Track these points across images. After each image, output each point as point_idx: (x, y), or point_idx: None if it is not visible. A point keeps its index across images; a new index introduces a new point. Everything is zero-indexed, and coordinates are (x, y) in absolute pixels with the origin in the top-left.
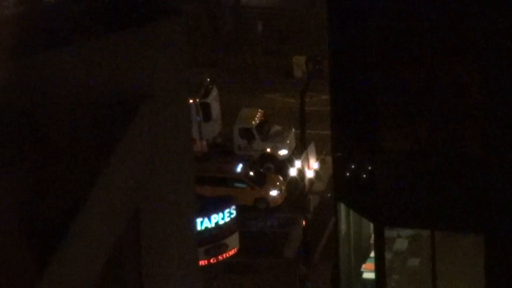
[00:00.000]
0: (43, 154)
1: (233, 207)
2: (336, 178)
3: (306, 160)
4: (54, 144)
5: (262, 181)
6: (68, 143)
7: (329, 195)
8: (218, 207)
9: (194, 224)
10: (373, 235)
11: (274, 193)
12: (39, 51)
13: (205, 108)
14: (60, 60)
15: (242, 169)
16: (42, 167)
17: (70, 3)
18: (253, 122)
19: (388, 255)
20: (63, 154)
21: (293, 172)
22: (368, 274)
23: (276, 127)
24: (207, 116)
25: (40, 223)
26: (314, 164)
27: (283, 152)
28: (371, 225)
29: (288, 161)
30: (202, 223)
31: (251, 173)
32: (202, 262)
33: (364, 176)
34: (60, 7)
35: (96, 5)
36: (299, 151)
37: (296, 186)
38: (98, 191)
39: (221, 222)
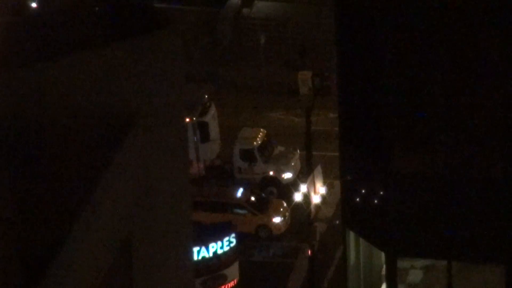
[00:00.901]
0: (25, 177)
1: (233, 235)
2: (345, 204)
3: (312, 184)
4: (37, 166)
5: (264, 207)
6: (52, 166)
7: (337, 222)
8: (217, 235)
9: (190, 254)
10: (384, 266)
11: (277, 220)
12: (24, 64)
13: (203, 128)
14: (44, 74)
15: (243, 194)
16: (24, 193)
17: (58, 14)
18: (255, 143)
19: None
20: (47, 178)
21: (298, 197)
22: None
23: (280, 148)
24: (204, 136)
25: (23, 254)
26: (321, 189)
27: (287, 175)
28: (383, 254)
29: (292, 185)
30: (199, 253)
31: (252, 198)
32: None
33: (376, 201)
34: (48, 18)
35: (86, 16)
36: (304, 174)
37: (302, 212)
38: (86, 218)
39: (219, 251)
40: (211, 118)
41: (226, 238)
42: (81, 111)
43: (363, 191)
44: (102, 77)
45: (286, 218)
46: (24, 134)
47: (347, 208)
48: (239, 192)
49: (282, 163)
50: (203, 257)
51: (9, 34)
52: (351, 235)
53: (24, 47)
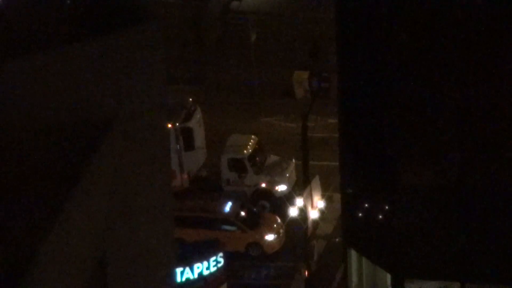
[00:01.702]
0: None
1: (220, 254)
2: (346, 220)
3: (309, 198)
4: (6, 175)
5: (256, 223)
6: (20, 175)
7: (337, 239)
8: (202, 255)
9: (173, 275)
10: None
11: (270, 237)
12: None
13: (187, 134)
14: (10, 73)
15: (232, 208)
16: None
17: (20, 6)
18: (245, 151)
19: None
20: (14, 189)
21: (293, 212)
22: None
23: (273, 158)
24: (189, 144)
25: None
26: (319, 202)
27: (281, 187)
28: (389, 276)
29: (287, 199)
30: (183, 274)
31: (243, 213)
32: None
33: (380, 217)
34: (7, 10)
35: (54, 9)
36: (300, 186)
37: (297, 229)
38: (56, 235)
39: (205, 272)
40: (196, 123)
41: (213, 258)
42: (48, 117)
43: (366, 205)
44: (71, 77)
45: (280, 235)
46: None
47: (348, 224)
48: (228, 206)
49: (275, 174)
50: (187, 279)
51: None
52: (353, 254)
53: None
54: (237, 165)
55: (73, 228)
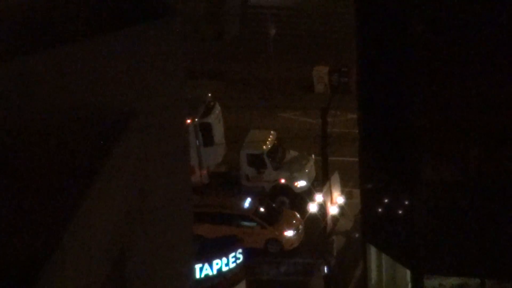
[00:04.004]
0: (9, 180)
1: (240, 250)
2: (365, 215)
3: (328, 194)
4: (23, 168)
5: (275, 219)
6: (42, 169)
7: (356, 235)
8: (222, 251)
9: (191, 271)
10: (410, 285)
11: (289, 233)
12: (12, 56)
13: (206, 130)
14: (33, 66)
15: (251, 204)
16: (10, 198)
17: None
18: (264, 147)
19: None
20: (36, 182)
21: (312, 207)
22: None
23: (292, 153)
24: (208, 140)
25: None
26: (339, 198)
27: (300, 183)
28: (408, 272)
29: (306, 195)
30: (202, 270)
31: (262, 209)
32: None
33: (400, 212)
34: (31, 5)
35: (73, 4)
36: (320, 182)
37: (317, 225)
38: (76, 228)
39: (224, 268)
40: (215, 119)
41: (232, 254)
42: (68, 111)
43: (386, 201)
44: (91, 72)
45: (299, 231)
46: (3, 137)
47: (367, 220)
48: (247, 202)
49: (294, 170)
50: (206, 275)
51: None
52: (372, 251)
53: (2, 37)
54: (256, 161)
55: (92, 222)
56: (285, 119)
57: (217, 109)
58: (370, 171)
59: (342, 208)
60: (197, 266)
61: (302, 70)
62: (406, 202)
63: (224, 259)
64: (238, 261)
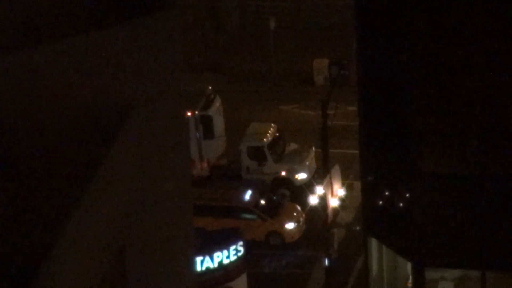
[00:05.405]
0: (6, 176)
1: (240, 243)
2: (366, 208)
3: (329, 186)
4: (24, 165)
5: (276, 212)
6: (41, 161)
7: (357, 228)
8: (222, 243)
9: (192, 264)
10: (411, 277)
11: (290, 226)
12: (11, 50)
13: (206, 123)
14: (31, 61)
15: (251, 196)
16: (10, 194)
17: None
18: (265, 140)
19: None
20: (34, 179)
21: (313, 200)
22: None
23: (293, 146)
24: (208, 132)
25: (8, 263)
26: (339, 191)
27: (301, 176)
28: (409, 264)
29: (307, 187)
30: (203, 263)
31: (262, 202)
32: None
33: (401, 205)
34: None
35: None
36: (320, 174)
37: (318, 217)
38: (74, 225)
39: (225, 261)
40: (216, 111)
41: (233, 247)
42: (69, 102)
43: (387, 193)
44: (91, 64)
45: (300, 223)
46: (4, 130)
47: (368, 213)
48: (247, 194)
49: (295, 162)
50: (207, 268)
51: None
52: (373, 243)
53: (2, 29)
54: (257, 154)
55: (93, 215)
56: (285, 112)
57: (218, 102)
58: (370, 164)
59: (342, 200)
60: (198, 259)
61: (302, 63)
62: (407, 195)
63: (225, 252)
64: (239, 254)
